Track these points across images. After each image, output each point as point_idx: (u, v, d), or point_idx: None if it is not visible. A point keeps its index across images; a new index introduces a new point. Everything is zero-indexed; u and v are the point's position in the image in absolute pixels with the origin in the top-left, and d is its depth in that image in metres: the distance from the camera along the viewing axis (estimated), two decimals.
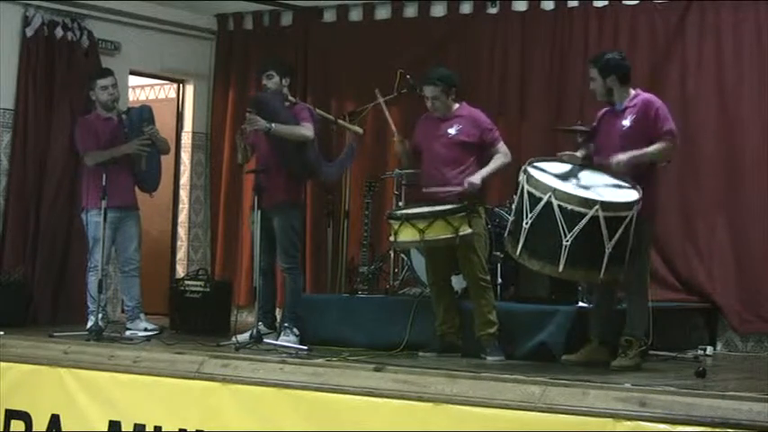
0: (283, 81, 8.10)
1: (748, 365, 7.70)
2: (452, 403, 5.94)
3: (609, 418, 5.50)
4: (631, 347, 6.84)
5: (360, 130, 8.53)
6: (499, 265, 7.83)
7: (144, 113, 8.62)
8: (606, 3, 9.30)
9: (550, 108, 9.37)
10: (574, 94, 9.20)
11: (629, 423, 5.45)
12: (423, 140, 7.57)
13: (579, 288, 7.76)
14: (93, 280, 8.33)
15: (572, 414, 5.60)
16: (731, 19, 8.78)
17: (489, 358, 7.24)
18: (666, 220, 8.83)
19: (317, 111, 8.35)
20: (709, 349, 8.25)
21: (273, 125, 7.77)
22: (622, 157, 6.76)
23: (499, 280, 7.87)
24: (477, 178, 7.28)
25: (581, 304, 7.67)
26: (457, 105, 7.52)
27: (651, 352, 7.36)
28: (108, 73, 8.74)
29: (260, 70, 8.22)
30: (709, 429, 5.25)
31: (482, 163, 7.40)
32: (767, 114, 8.59)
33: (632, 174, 6.79)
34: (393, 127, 7.90)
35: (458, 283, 7.63)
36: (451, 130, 7.41)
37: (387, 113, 8.01)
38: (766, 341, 8.64)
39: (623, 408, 5.49)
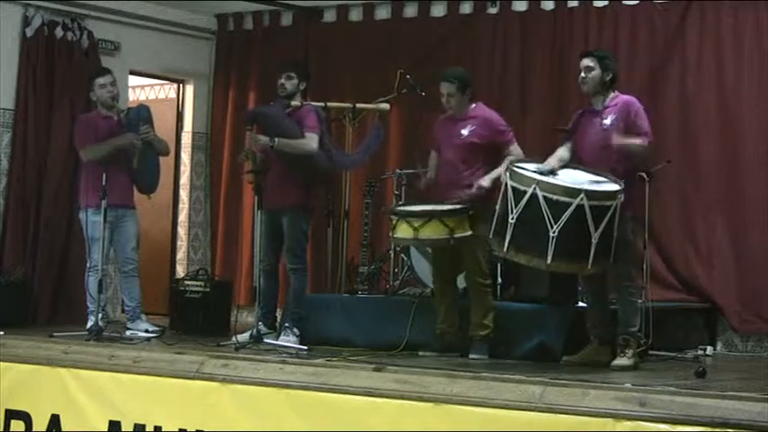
0: (300, 84, 8.08)
1: (748, 365, 7.70)
2: (452, 403, 5.94)
3: (609, 418, 5.49)
4: (629, 346, 6.84)
5: (386, 107, 8.41)
6: (499, 265, 7.83)
7: (141, 113, 8.62)
8: (606, 3, 9.31)
9: (550, 108, 9.37)
10: (574, 94, 9.15)
11: (629, 423, 5.44)
12: (440, 141, 7.58)
13: (579, 288, 7.76)
14: (92, 280, 8.33)
15: (572, 414, 5.59)
16: (731, 19, 8.79)
17: (472, 356, 7.27)
18: (666, 220, 8.85)
19: (329, 104, 8.32)
20: (709, 349, 8.25)
21: (276, 140, 7.75)
22: (622, 141, 6.79)
23: (499, 280, 7.87)
24: (485, 181, 7.26)
25: (581, 304, 7.67)
26: (473, 106, 7.52)
27: (651, 352, 7.38)
28: (106, 71, 8.75)
29: (280, 69, 8.13)
30: (709, 429, 5.25)
31: (494, 165, 7.37)
32: (767, 114, 8.60)
33: (613, 174, 6.81)
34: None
35: (461, 281, 7.63)
36: (464, 131, 7.40)
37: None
38: (766, 341, 8.65)
39: (623, 408, 5.49)
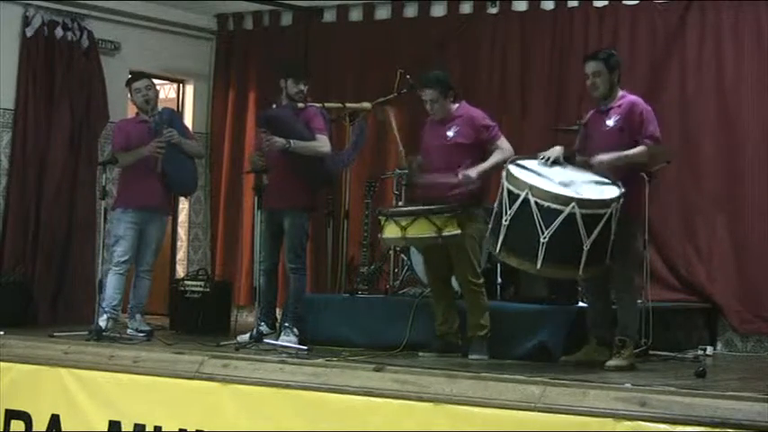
0: (301, 85, 8.04)
1: (748, 365, 7.71)
2: (452, 403, 5.94)
3: (609, 418, 5.49)
4: (625, 347, 6.82)
5: (368, 105, 8.44)
6: (499, 264, 7.82)
7: (164, 115, 8.67)
8: (606, 3, 9.31)
9: (550, 108, 9.38)
10: (574, 94, 9.20)
11: (629, 423, 5.44)
12: (426, 144, 7.56)
13: (579, 288, 7.76)
14: (110, 276, 8.39)
15: (572, 414, 5.59)
16: (731, 19, 8.80)
17: (471, 356, 7.25)
18: (666, 220, 8.85)
19: (325, 105, 8.34)
20: (709, 349, 8.24)
21: (292, 142, 7.77)
22: (604, 157, 6.75)
23: (499, 280, 7.87)
24: (473, 171, 7.19)
25: (581, 304, 7.67)
26: (456, 106, 7.48)
27: (651, 352, 7.37)
28: (141, 76, 8.84)
29: (298, 78, 7.98)
30: (709, 429, 5.25)
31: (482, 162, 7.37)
32: (767, 114, 8.60)
33: (614, 175, 6.77)
34: (401, 147, 7.89)
35: (455, 282, 7.62)
36: (450, 133, 7.37)
37: (395, 130, 7.99)
38: (766, 341, 8.65)
39: (623, 408, 5.49)
